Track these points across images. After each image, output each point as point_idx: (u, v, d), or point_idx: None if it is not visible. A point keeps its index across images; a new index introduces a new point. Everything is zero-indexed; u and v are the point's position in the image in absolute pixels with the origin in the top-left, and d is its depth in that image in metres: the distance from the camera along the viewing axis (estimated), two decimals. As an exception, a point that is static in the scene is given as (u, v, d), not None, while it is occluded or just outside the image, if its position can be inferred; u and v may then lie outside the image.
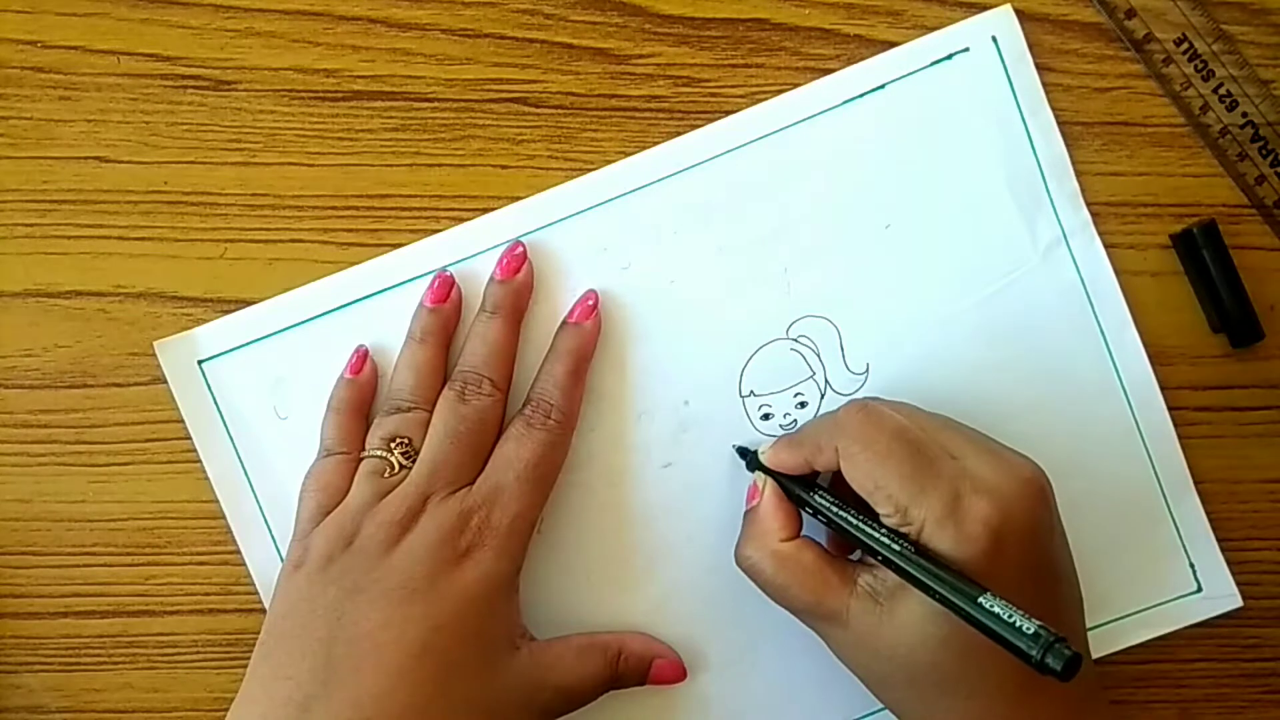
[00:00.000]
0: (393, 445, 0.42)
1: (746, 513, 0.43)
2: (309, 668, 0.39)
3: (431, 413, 0.43)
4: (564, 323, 0.44)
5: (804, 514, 0.42)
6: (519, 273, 0.44)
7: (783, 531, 0.41)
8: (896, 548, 0.37)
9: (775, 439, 0.43)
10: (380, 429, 0.43)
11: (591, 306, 0.44)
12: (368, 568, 0.40)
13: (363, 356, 0.44)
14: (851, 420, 0.40)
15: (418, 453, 0.42)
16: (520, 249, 0.44)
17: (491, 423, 0.43)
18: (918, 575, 0.36)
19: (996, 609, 0.34)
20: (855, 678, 0.40)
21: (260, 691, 0.39)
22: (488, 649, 0.40)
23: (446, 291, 0.44)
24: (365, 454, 0.43)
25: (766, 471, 0.42)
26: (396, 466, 0.42)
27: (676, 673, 0.44)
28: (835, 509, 0.40)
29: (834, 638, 0.40)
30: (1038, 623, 0.33)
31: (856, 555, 0.41)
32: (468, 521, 0.41)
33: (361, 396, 0.44)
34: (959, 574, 0.36)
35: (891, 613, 0.38)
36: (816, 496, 0.41)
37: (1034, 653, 0.33)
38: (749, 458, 0.44)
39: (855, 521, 0.39)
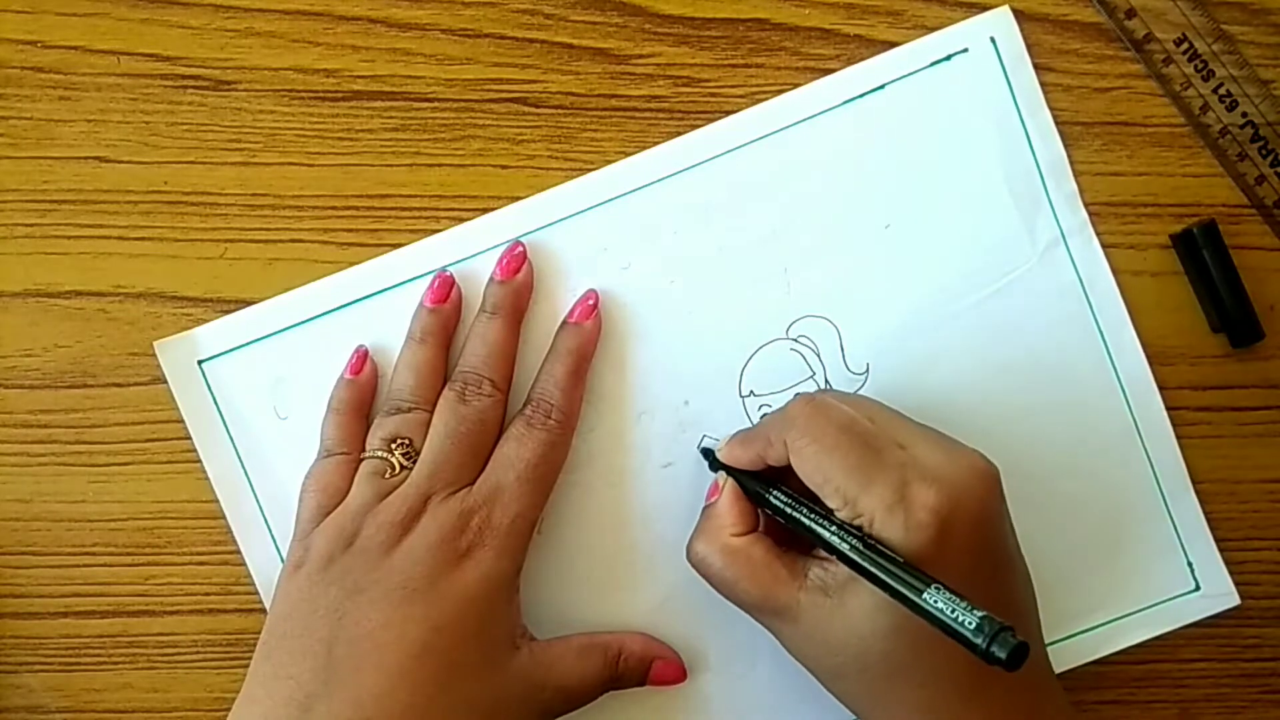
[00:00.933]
0: (393, 446, 0.42)
1: (703, 509, 0.42)
2: (310, 667, 0.39)
3: (432, 413, 0.43)
4: (564, 322, 0.44)
5: (764, 514, 0.41)
6: (519, 273, 0.44)
7: (735, 527, 0.41)
8: (847, 545, 0.37)
9: (731, 435, 0.43)
10: (381, 429, 0.43)
11: (592, 306, 0.44)
12: (368, 568, 0.40)
13: (363, 357, 0.44)
14: (799, 414, 0.39)
15: (418, 453, 0.42)
16: (520, 249, 0.44)
17: (492, 423, 0.43)
18: (869, 569, 0.36)
19: (940, 603, 0.33)
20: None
21: (261, 691, 0.39)
22: (488, 649, 0.40)
23: (446, 291, 0.44)
24: (366, 455, 0.43)
25: (727, 470, 0.42)
26: (397, 467, 0.42)
27: (676, 673, 0.44)
28: (791, 506, 0.40)
29: (784, 633, 0.40)
30: (982, 613, 0.33)
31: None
32: (468, 521, 0.41)
33: (361, 397, 0.44)
34: (907, 566, 0.35)
35: (842, 604, 0.38)
36: (774, 494, 0.40)
37: (980, 642, 0.32)
38: (710, 458, 0.44)
39: (810, 517, 0.38)
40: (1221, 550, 0.45)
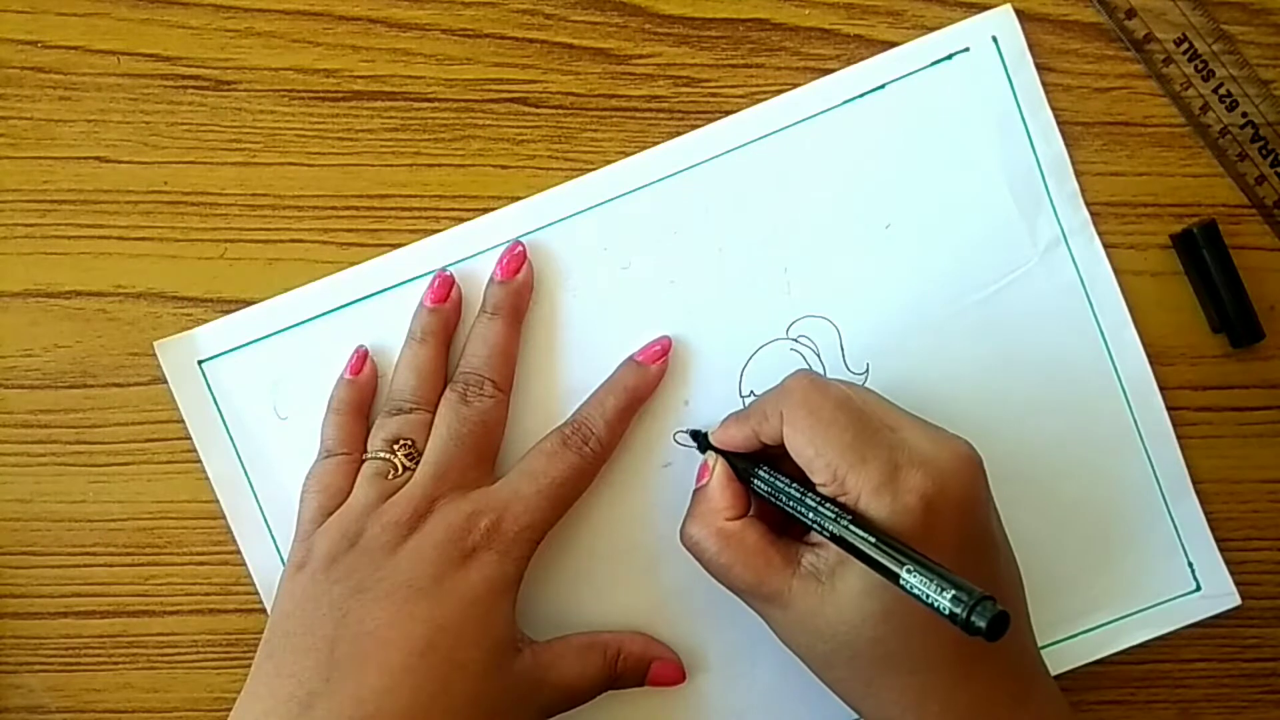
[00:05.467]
0: (396, 447, 0.42)
1: (694, 491, 0.42)
2: (312, 665, 0.39)
3: (433, 414, 0.43)
4: (631, 359, 0.44)
5: (755, 498, 0.41)
6: (519, 273, 0.44)
7: (729, 510, 0.41)
8: (831, 520, 0.37)
9: (725, 418, 0.43)
10: (383, 430, 0.43)
11: (660, 352, 0.44)
12: (373, 567, 0.40)
13: (363, 357, 0.44)
14: (797, 387, 0.40)
15: (421, 454, 0.42)
16: (520, 249, 0.44)
17: (494, 424, 0.43)
18: (851, 543, 0.36)
19: (920, 575, 0.33)
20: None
21: (264, 689, 0.39)
22: (490, 648, 0.40)
23: (446, 291, 0.44)
24: (368, 455, 0.43)
25: (717, 451, 0.42)
26: (400, 468, 0.42)
27: (675, 675, 0.44)
28: (778, 485, 0.40)
29: (776, 619, 0.40)
30: (960, 583, 0.33)
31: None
32: (476, 523, 0.41)
33: (362, 397, 0.44)
34: (889, 541, 0.35)
35: (833, 590, 0.38)
36: (761, 473, 0.40)
37: (959, 612, 0.32)
38: (700, 440, 0.43)
39: (797, 495, 0.38)
40: (1222, 550, 0.45)
